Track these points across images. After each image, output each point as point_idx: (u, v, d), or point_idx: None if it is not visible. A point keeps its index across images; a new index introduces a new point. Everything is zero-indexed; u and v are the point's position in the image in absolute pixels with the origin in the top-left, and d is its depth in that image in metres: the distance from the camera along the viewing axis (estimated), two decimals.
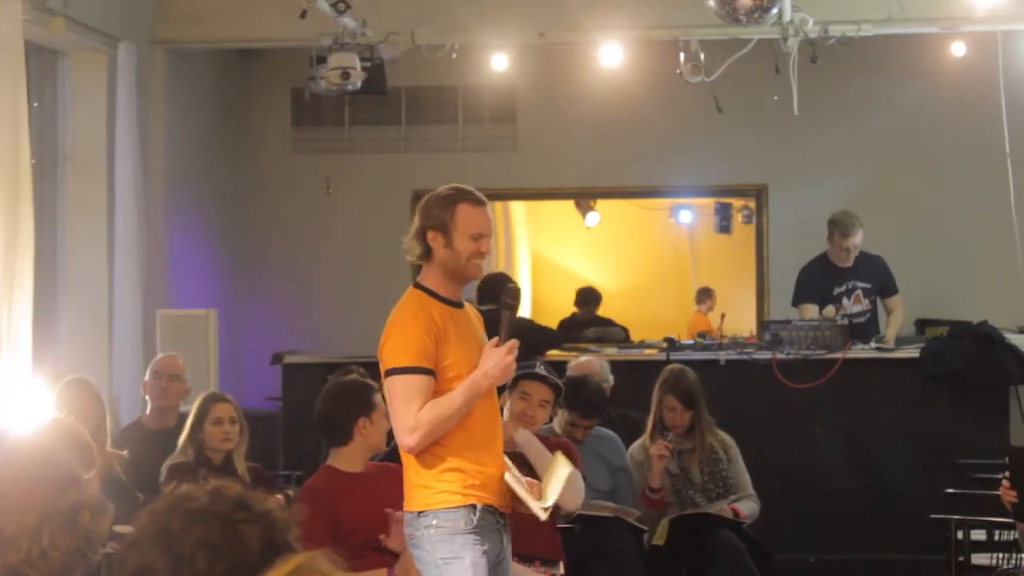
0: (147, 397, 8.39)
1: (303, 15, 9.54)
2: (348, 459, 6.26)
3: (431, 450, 5.03)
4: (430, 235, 5.09)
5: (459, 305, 5.21)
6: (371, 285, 12.43)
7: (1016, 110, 10.12)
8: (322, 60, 10.03)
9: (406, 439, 5.00)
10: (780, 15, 9.50)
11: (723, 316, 13.32)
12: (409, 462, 5.11)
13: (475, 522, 5.03)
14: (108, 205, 9.75)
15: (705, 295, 16.94)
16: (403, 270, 12.88)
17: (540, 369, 6.88)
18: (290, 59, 11.64)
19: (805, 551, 9.58)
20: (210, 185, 11.84)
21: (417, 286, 5.16)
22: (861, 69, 11.79)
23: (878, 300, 10.38)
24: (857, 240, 10.16)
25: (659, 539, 7.79)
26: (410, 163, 12.41)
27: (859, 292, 10.25)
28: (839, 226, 10.18)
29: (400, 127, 12.57)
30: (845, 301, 10.21)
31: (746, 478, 8.21)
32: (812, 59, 10.10)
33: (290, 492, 6.97)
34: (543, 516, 5.22)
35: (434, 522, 5.03)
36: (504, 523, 5.19)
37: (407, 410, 4.96)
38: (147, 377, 8.42)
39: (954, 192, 12.11)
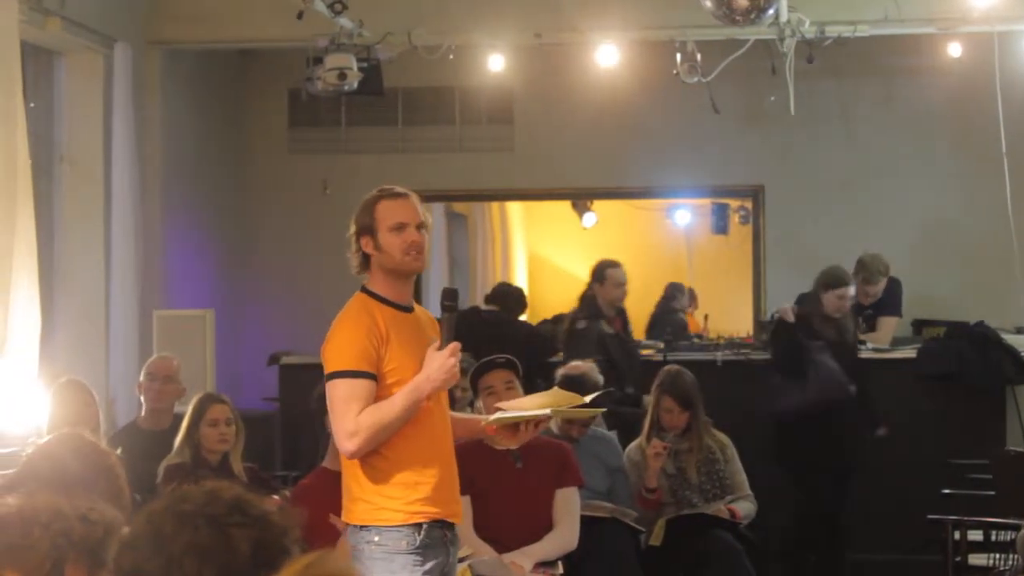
0: (142, 399, 8.38)
1: (300, 16, 9.53)
2: (334, 458, 6.23)
3: (373, 463, 4.83)
4: (363, 241, 5.00)
5: (407, 309, 5.01)
6: None
7: (1012, 110, 10.12)
8: (319, 61, 10.03)
9: (346, 444, 4.78)
10: (776, 16, 9.50)
11: (706, 317, 13.35)
12: (350, 473, 4.90)
13: (418, 542, 4.81)
14: (104, 206, 9.74)
15: (688, 296, 16.92)
16: None
17: (488, 360, 6.89)
18: (287, 60, 11.64)
19: (803, 551, 9.58)
20: (207, 186, 11.82)
21: (363, 290, 5.02)
22: (857, 70, 11.79)
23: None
24: (877, 289, 10.14)
25: (656, 539, 7.79)
26: (407, 164, 12.38)
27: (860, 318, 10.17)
28: (864, 269, 10.15)
29: (397, 128, 12.55)
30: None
31: (743, 478, 8.20)
32: (808, 59, 10.11)
33: (287, 493, 6.96)
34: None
35: (376, 538, 4.82)
36: (452, 535, 4.97)
37: (347, 414, 4.76)
38: (141, 379, 8.42)
39: (950, 192, 12.10)
